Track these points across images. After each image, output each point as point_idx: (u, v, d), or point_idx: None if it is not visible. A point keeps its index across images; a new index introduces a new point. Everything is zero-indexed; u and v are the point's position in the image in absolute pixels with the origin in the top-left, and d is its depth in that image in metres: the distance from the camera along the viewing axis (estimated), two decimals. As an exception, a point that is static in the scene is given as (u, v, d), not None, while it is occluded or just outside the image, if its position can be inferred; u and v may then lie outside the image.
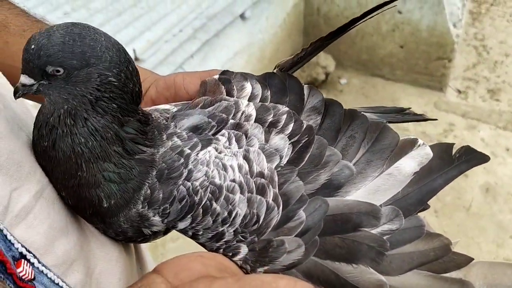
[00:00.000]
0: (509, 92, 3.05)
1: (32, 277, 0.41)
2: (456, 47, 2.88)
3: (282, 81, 0.54)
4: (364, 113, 0.54)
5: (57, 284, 0.43)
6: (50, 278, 0.43)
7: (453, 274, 0.47)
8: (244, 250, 0.46)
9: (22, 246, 0.41)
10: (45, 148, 0.45)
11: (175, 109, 0.51)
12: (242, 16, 2.33)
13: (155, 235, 0.50)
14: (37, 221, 0.43)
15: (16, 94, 0.43)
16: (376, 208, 0.48)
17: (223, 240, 0.46)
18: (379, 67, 3.02)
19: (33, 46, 0.41)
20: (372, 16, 0.56)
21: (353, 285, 0.46)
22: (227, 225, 0.46)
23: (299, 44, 3.05)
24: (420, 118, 0.61)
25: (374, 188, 0.49)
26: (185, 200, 0.46)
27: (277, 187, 0.47)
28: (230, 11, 2.21)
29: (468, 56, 3.31)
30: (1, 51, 0.58)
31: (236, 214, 0.46)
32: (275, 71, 0.56)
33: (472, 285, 0.46)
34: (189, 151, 0.47)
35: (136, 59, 1.77)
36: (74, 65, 0.41)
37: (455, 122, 2.81)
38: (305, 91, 0.54)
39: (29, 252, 0.41)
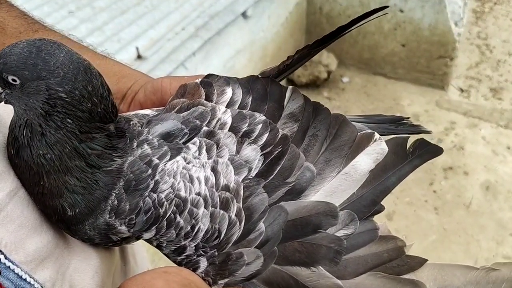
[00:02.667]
0: (511, 91, 3.05)
1: None
2: (458, 46, 2.89)
3: (264, 87, 0.54)
4: (353, 122, 0.53)
5: (25, 279, 0.44)
6: (17, 274, 0.43)
7: (406, 276, 0.47)
8: (203, 264, 0.47)
9: None
10: (11, 155, 0.46)
11: (153, 114, 0.51)
12: (244, 15, 2.35)
13: (126, 240, 0.50)
14: (8, 219, 0.43)
15: None
16: (333, 207, 0.48)
17: (185, 254, 0.47)
18: (381, 66, 3.03)
19: None
20: (362, 24, 0.55)
21: None
22: (189, 239, 0.46)
23: (301, 43, 3.06)
24: (415, 131, 0.60)
25: (331, 190, 0.49)
26: (150, 212, 0.46)
27: (241, 201, 0.47)
28: (232, 9, 2.23)
29: (471, 55, 3.31)
30: None
31: (199, 229, 0.46)
32: (259, 75, 0.55)
33: (425, 286, 0.46)
34: (157, 161, 0.47)
35: (139, 56, 1.79)
36: (25, 75, 0.42)
37: (457, 121, 2.82)
38: (287, 94, 0.54)
39: None
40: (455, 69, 3.04)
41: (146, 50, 1.81)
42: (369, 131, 0.52)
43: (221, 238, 0.47)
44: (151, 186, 0.46)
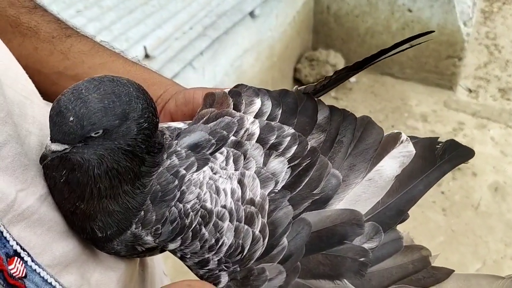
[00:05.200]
0: (520, 92, 3.03)
1: (23, 275, 0.42)
2: (467, 46, 2.87)
3: (295, 101, 0.52)
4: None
5: (50, 283, 0.44)
6: (43, 277, 0.43)
7: None
8: (224, 279, 0.46)
9: (17, 244, 0.41)
10: (52, 166, 0.44)
11: (185, 127, 0.51)
12: (251, 14, 2.34)
13: (150, 251, 0.50)
14: (38, 223, 0.44)
15: (44, 161, 0.42)
16: (358, 214, 0.47)
17: (207, 268, 0.46)
18: (388, 66, 3.02)
19: (71, 118, 0.39)
20: (405, 49, 0.52)
21: None
22: (213, 252, 0.46)
23: (309, 42, 3.05)
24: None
25: (355, 198, 0.48)
26: (176, 222, 0.46)
27: (266, 216, 0.46)
28: (240, 8, 2.22)
29: (480, 55, 3.29)
30: (30, 57, 0.58)
31: (223, 243, 0.46)
32: (294, 89, 0.54)
33: None
34: (184, 171, 0.46)
35: (147, 56, 1.79)
36: (116, 124, 0.41)
37: (465, 121, 2.80)
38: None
39: (24, 250, 0.42)
40: (463, 69, 3.02)
41: (153, 49, 1.81)
42: (395, 131, 0.50)
43: (244, 254, 0.46)
44: (177, 196, 0.46)
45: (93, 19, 1.79)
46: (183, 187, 0.46)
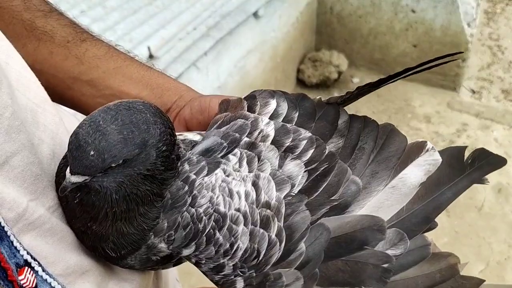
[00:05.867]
0: (523, 93, 3.02)
1: (34, 285, 0.41)
2: (470, 47, 2.86)
3: (313, 106, 0.50)
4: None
5: None
6: (54, 287, 0.43)
7: None
8: (240, 285, 0.45)
9: (28, 253, 0.41)
10: (67, 197, 0.43)
11: (200, 140, 0.49)
12: (255, 15, 2.34)
13: (163, 263, 0.49)
14: (49, 232, 0.43)
15: (64, 192, 0.41)
16: (379, 220, 0.45)
17: (223, 273, 0.45)
18: (392, 67, 3.01)
19: (92, 153, 0.39)
20: (431, 67, 0.50)
21: None
22: (228, 257, 0.45)
23: (312, 43, 3.05)
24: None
25: (377, 205, 0.46)
26: (189, 227, 0.44)
27: (282, 220, 0.45)
28: (243, 9, 2.22)
29: (483, 56, 3.28)
30: (45, 62, 0.58)
31: (238, 247, 0.44)
32: (316, 99, 0.52)
33: None
34: (194, 176, 0.45)
35: (151, 56, 1.80)
36: (136, 153, 0.40)
37: (469, 122, 2.80)
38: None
39: (34, 260, 0.41)
40: (466, 70, 3.01)
41: (157, 49, 1.81)
42: (420, 140, 0.48)
43: (260, 258, 0.45)
44: (189, 201, 0.44)
45: (97, 19, 1.79)
46: (194, 192, 0.45)
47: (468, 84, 3.04)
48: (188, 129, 0.56)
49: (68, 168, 0.40)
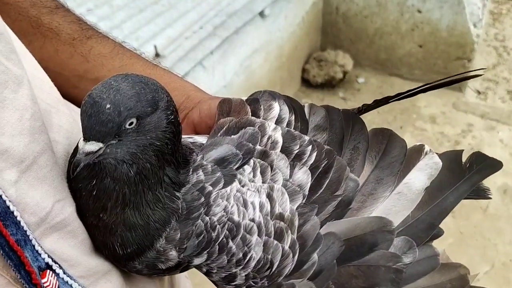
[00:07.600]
0: (529, 94, 3.01)
1: (56, 287, 0.41)
2: (476, 47, 2.86)
3: (301, 106, 0.52)
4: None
5: None
6: None
7: None
8: None
9: (49, 256, 0.41)
10: (77, 179, 0.43)
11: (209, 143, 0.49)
12: (261, 14, 2.35)
13: (170, 271, 0.48)
14: (71, 235, 0.43)
15: (77, 168, 0.40)
16: (386, 221, 0.46)
17: (235, 283, 0.45)
18: (397, 67, 3.01)
19: (108, 106, 0.39)
20: (450, 84, 0.53)
21: None
22: (241, 267, 0.44)
23: (317, 43, 3.04)
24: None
25: (385, 212, 0.47)
26: (202, 235, 0.44)
27: (296, 232, 0.45)
28: (250, 8, 2.23)
29: (488, 57, 3.27)
30: (51, 59, 0.58)
31: (251, 257, 0.44)
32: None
33: None
34: (210, 188, 0.45)
35: (157, 55, 1.80)
36: (148, 112, 0.40)
37: (474, 123, 2.79)
38: (306, 110, 0.52)
39: (55, 262, 0.42)
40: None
41: (164, 48, 1.81)
42: (418, 143, 0.50)
43: (273, 269, 0.45)
44: (203, 210, 0.44)
45: (104, 18, 1.80)
46: (211, 203, 0.44)
47: (474, 85, 3.03)
48: (197, 133, 0.55)
49: (81, 139, 0.40)
